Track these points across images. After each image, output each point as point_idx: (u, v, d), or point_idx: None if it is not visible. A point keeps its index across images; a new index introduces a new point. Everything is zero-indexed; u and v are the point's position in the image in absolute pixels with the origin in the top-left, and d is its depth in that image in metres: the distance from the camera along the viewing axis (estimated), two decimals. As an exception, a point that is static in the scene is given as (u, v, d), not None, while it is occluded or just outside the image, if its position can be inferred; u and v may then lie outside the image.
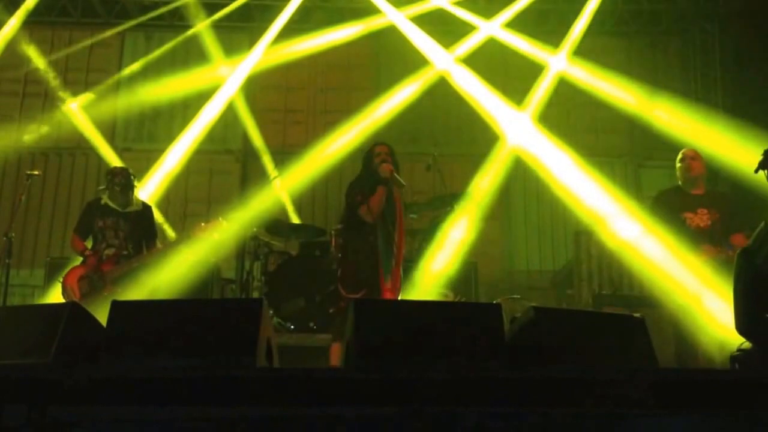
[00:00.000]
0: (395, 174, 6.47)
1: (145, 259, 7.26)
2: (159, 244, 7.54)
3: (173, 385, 3.43)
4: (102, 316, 4.10)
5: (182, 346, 3.78)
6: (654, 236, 7.28)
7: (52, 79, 11.54)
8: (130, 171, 7.63)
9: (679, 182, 7.04)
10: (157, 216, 8.50)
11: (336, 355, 6.04)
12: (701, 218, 6.71)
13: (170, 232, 10.41)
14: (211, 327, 3.88)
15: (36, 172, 8.15)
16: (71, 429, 3.32)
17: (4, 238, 7.46)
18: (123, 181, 7.40)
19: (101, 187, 7.66)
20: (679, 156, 7.04)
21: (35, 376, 3.45)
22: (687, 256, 6.53)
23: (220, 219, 7.58)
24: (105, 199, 7.43)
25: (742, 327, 4.44)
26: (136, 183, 7.65)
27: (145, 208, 7.65)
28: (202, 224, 7.49)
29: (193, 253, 8.21)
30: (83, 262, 7.26)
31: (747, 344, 4.47)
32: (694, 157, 6.97)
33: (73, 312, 4.00)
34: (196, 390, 3.42)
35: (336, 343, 6.12)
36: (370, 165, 6.59)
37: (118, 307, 3.92)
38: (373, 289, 6.20)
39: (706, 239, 6.58)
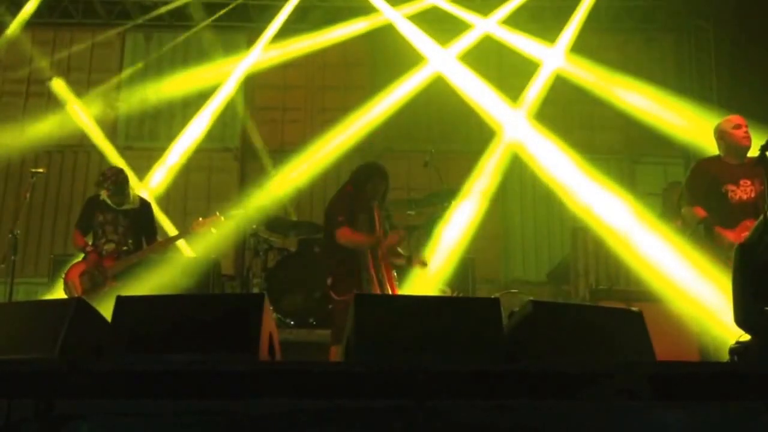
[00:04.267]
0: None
1: (146, 254, 7.33)
2: (159, 239, 7.61)
3: (177, 379, 3.47)
4: (105, 311, 4.16)
5: (186, 340, 3.81)
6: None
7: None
8: (121, 170, 7.63)
9: (721, 153, 6.39)
10: (157, 212, 8.54)
11: (335, 357, 6.06)
12: (744, 190, 6.12)
13: (170, 229, 10.43)
14: (214, 322, 3.92)
15: (41, 170, 8.19)
16: (77, 422, 3.37)
17: (10, 236, 7.52)
18: (113, 186, 7.38)
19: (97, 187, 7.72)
20: (733, 123, 6.33)
21: (42, 371, 3.50)
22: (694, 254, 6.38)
23: (218, 214, 7.63)
24: (104, 196, 7.47)
25: (741, 319, 4.44)
26: (129, 181, 7.61)
27: (143, 205, 7.67)
28: (200, 219, 7.55)
29: (192, 249, 8.26)
30: (84, 258, 7.30)
31: (746, 337, 4.50)
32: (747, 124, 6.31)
33: (78, 307, 4.03)
34: (200, 384, 3.47)
35: (334, 346, 6.15)
36: (364, 188, 6.59)
37: (122, 303, 3.96)
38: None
39: (750, 213, 5.91)
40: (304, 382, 3.51)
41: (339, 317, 6.13)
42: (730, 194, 6.15)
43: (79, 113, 11.46)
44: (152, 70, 11.98)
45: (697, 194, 6.29)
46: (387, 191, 6.75)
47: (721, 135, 6.38)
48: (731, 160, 6.28)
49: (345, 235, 6.32)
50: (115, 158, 11.10)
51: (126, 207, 7.44)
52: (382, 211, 6.68)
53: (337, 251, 6.47)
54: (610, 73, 11.04)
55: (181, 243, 8.71)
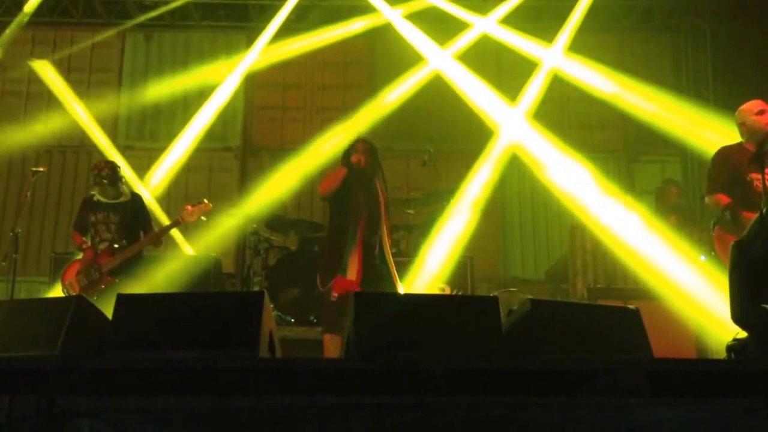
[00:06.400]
0: (365, 166, 6.54)
1: (139, 247, 7.37)
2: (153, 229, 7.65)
3: (178, 376, 3.48)
4: (104, 308, 4.18)
5: (187, 338, 3.83)
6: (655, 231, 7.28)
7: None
8: (115, 163, 7.71)
9: (743, 139, 6.13)
10: (157, 212, 8.55)
11: (328, 346, 6.12)
12: None
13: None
14: (214, 319, 3.93)
15: (41, 169, 8.21)
16: (78, 418, 3.39)
17: (11, 234, 7.55)
18: (109, 173, 7.43)
19: (90, 183, 7.76)
20: (756, 108, 6.05)
21: (43, 368, 3.50)
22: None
23: (205, 201, 7.63)
24: (97, 195, 7.50)
25: (737, 317, 4.44)
26: (122, 174, 7.66)
27: (134, 197, 7.70)
28: (188, 208, 7.55)
29: (193, 247, 8.25)
30: (80, 257, 7.36)
31: (743, 334, 4.51)
32: None
33: (78, 305, 4.05)
34: (201, 381, 3.47)
35: (326, 335, 6.21)
36: (347, 158, 6.66)
37: (123, 301, 3.97)
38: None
39: None
40: (303, 380, 3.52)
41: (327, 307, 6.28)
42: (755, 183, 5.87)
43: (80, 112, 11.51)
44: (152, 69, 12.03)
45: (719, 182, 6.08)
46: (376, 159, 6.74)
47: (743, 121, 6.14)
48: (753, 148, 5.83)
49: (322, 185, 6.62)
50: (116, 158, 11.11)
51: (118, 200, 7.48)
52: (383, 184, 6.68)
53: (326, 242, 6.68)
54: (607, 73, 11.06)
55: (182, 243, 8.73)
